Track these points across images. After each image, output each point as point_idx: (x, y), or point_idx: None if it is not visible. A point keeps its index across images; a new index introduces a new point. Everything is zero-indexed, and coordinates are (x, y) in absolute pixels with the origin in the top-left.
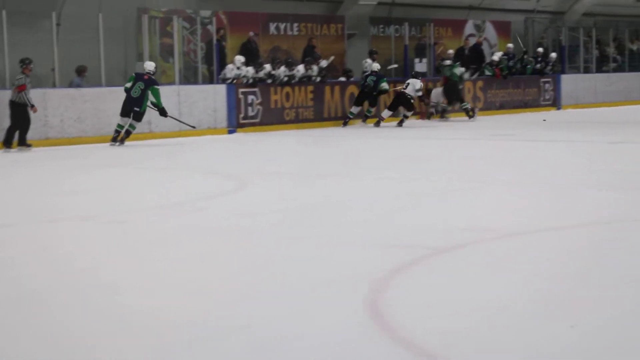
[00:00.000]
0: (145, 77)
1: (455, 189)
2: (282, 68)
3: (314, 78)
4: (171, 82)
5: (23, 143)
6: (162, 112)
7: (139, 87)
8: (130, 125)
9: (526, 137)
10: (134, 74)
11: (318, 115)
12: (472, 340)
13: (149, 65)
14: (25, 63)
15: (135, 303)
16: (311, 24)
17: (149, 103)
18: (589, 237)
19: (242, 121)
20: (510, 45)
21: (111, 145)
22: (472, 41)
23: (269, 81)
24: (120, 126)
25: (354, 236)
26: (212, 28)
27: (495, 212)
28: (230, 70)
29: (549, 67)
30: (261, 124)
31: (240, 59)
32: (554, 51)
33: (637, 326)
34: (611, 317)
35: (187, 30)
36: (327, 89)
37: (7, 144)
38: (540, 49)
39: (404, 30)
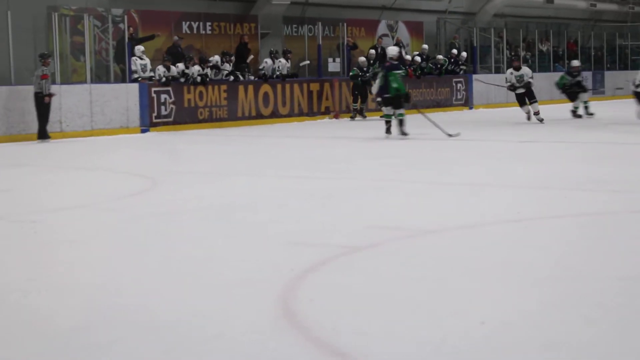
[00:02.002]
0: (387, 64)
1: (367, 188)
2: (196, 67)
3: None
4: (82, 81)
5: (44, 134)
6: (407, 98)
7: (382, 74)
8: (398, 115)
9: (438, 137)
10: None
11: (232, 114)
12: (384, 339)
13: (391, 51)
14: (44, 57)
15: (43, 305)
16: (224, 23)
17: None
18: (500, 235)
19: (155, 120)
20: (425, 46)
21: (386, 137)
22: (387, 41)
23: (182, 80)
24: (387, 116)
25: (265, 235)
26: (124, 26)
27: (408, 211)
28: (134, 62)
29: (460, 67)
30: (174, 123)
31: (140, 48)
32: (465, 51)
33: (544, 323)
34: (520, 313)
35: (99, 29)
36: (241, 88)
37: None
38: (455, 51)
39: (317, 30)
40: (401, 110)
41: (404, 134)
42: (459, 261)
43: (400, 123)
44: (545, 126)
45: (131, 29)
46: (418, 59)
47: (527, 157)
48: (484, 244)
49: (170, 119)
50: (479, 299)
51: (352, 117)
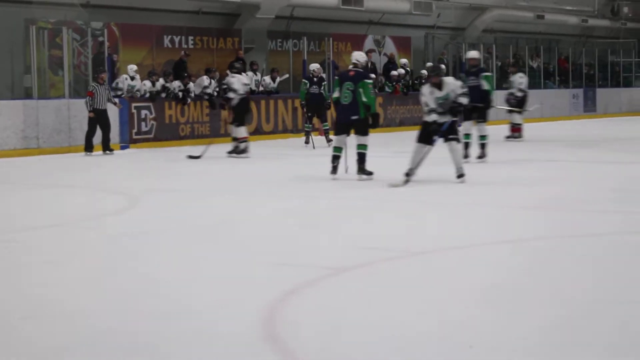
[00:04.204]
0: (351, 73)
1: (356, 207)
2: (176, 82)
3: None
4: (61, 96)
5: (106, 147)
6: (375, 120)
7: (348, 88)
8: (360, 146)
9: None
10: (336, 77)
11: (214, 131)
12: None
13: (356, 55)
14: (98, 72)
15: (19, 327)
16: (207, 38)
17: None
18: (491, 257)
19: (135, 137)
20: (404, 60)
21: (333, 179)
22: (374, 56)
23: (164, 95)
24: (337, 150)
25: (248, 256)
26: (104, 40)
27: (397, 231)
28: (122, 81)
29: None
30: (155, 139)
31: (132, 67)
32: (454, 68)
33: (533, 347)
34: (509, 338)
35: (78, 42)
36: None
37: (87, 148)
38: (430, 64)
39: (303, 45)
40: (365, 139)
41: (365, 172)
42: (447, 283)
43: (361, 159)
44: (539, 145)
45: (107, 42)
46: (402, 71)
47: (520, 177)
48: (474, 266)
49: (151, 135)
50: (468, 322)
51: (307, 142)
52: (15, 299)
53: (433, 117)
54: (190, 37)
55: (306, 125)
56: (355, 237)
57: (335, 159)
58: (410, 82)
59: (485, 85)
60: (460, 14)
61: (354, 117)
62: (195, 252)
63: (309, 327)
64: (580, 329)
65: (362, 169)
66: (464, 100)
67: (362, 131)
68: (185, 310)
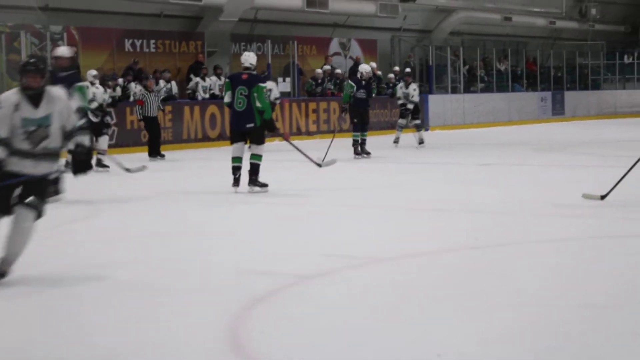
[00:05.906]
0: (244, 76)
1: (321, 213)
2: (138, 87)
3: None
4: None
5: (157, 153)
6: (270, 126)
7: (241, 93)
8: (254, 156)
9: (394, 160)
10: (227, 79)
11: (177, 136)
12: None
13: (249, 58)
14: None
15: None
16: (169, 41)
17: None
18: (458, 262)
19: (96, 143)
20: (373, 64)
21: (235, 192)
22: (338, 60)
23: (117, 98)
24: (237, 160)
25: (212, 264)
26: (63, 44)
27: (362, 237)
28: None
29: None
30: (116, 146)
31: (92, 72)
32: (421, 71)
33: (503, 353)
34: (478, 343)
35: (36, 47)
36: (187, 109)
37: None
38: (397, 68)
39: (267, 48)
40: (260, 149)
41: (258, 184)
42: (414, 290)
43: (254, 169)
44: (503, 148)
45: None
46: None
47: (485, 181)
48: (441, 272)
49: (112, 142)
50: (435, 328)
51: (357, 153)
52: None
53: (17, 165)
54: (152, 41)
55: (354, 134)
56: (323, 243)
57: (237, 170)
58: (377, 86)
59: (79, 100)
60: (427, 16)
61: (249, 125)
62: (158, 261)
63: (274, 336)
64: (548, 334)
65: (254, 181)
66: (81, 122)
67: (258, 140)
68: (148, 320)
